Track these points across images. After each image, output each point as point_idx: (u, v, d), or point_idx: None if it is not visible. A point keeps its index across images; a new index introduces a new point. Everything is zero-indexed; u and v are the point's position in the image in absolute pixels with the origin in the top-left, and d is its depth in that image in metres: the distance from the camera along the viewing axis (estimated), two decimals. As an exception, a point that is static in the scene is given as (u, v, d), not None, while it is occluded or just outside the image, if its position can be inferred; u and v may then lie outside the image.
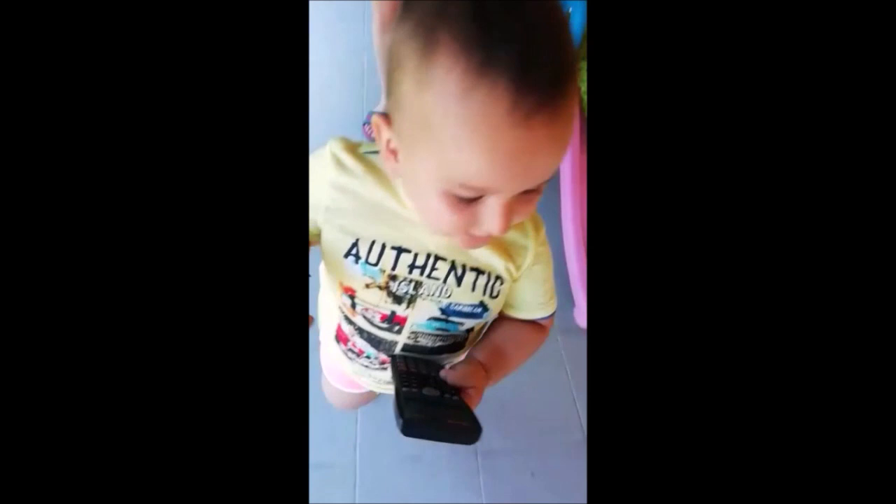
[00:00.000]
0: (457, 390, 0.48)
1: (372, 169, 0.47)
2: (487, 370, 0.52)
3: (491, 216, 0.38)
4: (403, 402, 0.43)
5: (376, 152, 0.46)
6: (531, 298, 0.56)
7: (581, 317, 1.29)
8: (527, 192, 0.38)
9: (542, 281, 0.55)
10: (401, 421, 0.42)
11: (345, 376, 0.70)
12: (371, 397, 0.83)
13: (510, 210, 0.38)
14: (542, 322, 0.58)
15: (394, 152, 0.41)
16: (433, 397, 0.46)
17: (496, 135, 0.33)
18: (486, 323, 0.55)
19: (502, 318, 0.57)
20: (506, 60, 0.31)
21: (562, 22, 0.35)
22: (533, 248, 0.51)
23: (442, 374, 0.50)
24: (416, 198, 0.44)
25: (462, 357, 0.57)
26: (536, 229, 0.52)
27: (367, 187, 0.46)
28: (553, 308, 0.58)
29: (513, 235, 0.50)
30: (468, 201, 0.38)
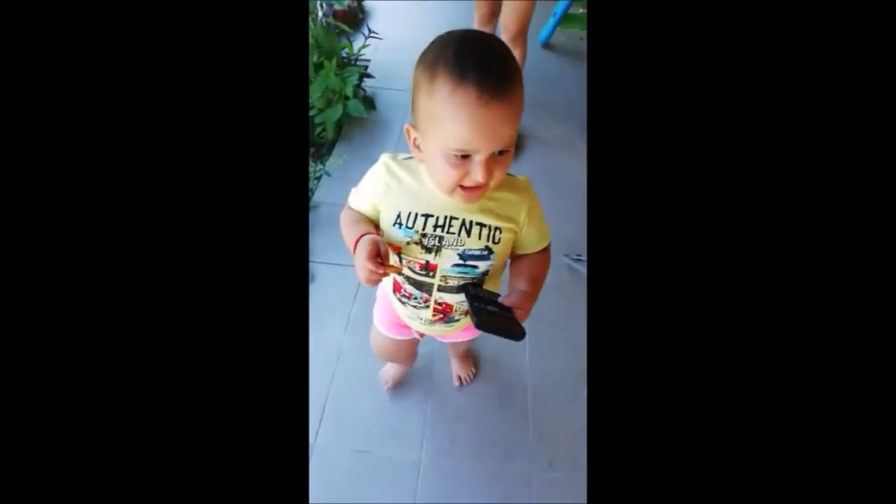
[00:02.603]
0: (510, 310, 0.68)
1: (408, 168, 0.72)
2: (529, 295, 0.71)
3: (476, 169, 0.61)
4: (475, 310, 0.64)
5: (411, 158, 0.72)
6: (535, 237, 0.77)
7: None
8: (499, 154, 0.61)
9: (540, 219, 0.77)
10: (475, 319, 0.62)
11: (396, 323, 0.95)
12: (415, 345, 1.08)
13: (489, 166, 0.61)
14: (545, 248, 0.80)
15: (418, 146, 0.66)
16: (495, 311, 0.66)
17: (470, 114, 0.57)
18: (494, 267, 0.75)
19: (521, 257, 0.78)
20: (472, 75, 0.56)
21: (506, 53, 0.60)
22: (527, 202, 0.74)
23: (500, 299, 0.70)
24: (430, 169, 0.67)
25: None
26: (526, 188, 0.75)
27: (405, 179, 0.72)
28: (548, 238, 0.79)
29: (509, 196, 0.73)
30: (460, 160, 0.60)
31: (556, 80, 2.30)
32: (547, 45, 2.49)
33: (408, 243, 0.71)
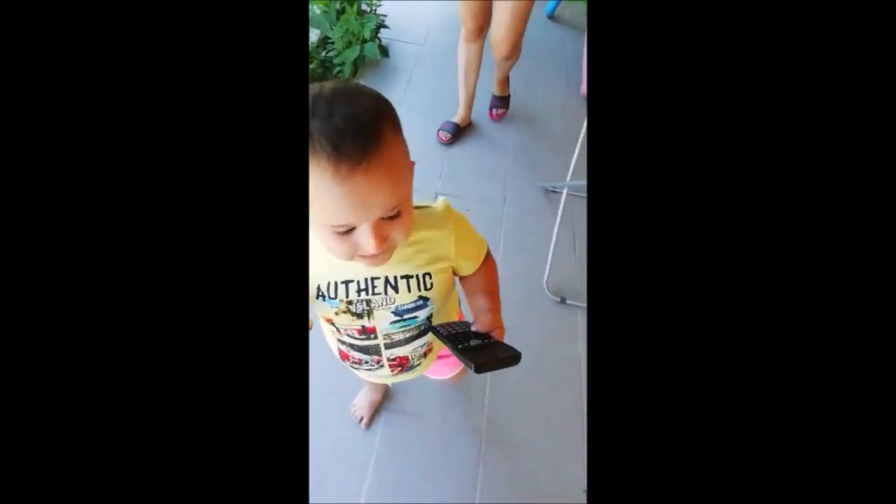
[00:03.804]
0: (488, 334, 0.63)
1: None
2: (495, 310, 0.68)
3: (364, 240, 0.51)
4: (467, 354, 0.56)
5: None
6: (472, 257, 0.70)
7: (583, 89, 2.06)
8: (389, 218, 0.52)
9: (471, 237, 0.70)
10: (472, 366, 0.54)
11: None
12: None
13: (378, 233, 0.51)
14: (486, 256, 0.74)
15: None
16: (480, 344, 0.60)
17: (330, 190, 0.47)
18: (438, 305, 0.69)
19: (468, 276, 0.73)
20: (322, 147, 0.45)
21: (372, 111, 0.48)
22: (452, 231, 0.65)
23: (474, 328, 0.64)
24: (321, 240, 0.55)
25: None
26: (446, 218, 0.66)
27: (316, 245, 0.59)
28: (485, 246, 0.74)
29: (430, 235, 0.64)
30: (346, 233, 0.51)
31: (556, 49, 2.49)
32: (552, 17, 2.69)
33: (336, 313, 0.66)
